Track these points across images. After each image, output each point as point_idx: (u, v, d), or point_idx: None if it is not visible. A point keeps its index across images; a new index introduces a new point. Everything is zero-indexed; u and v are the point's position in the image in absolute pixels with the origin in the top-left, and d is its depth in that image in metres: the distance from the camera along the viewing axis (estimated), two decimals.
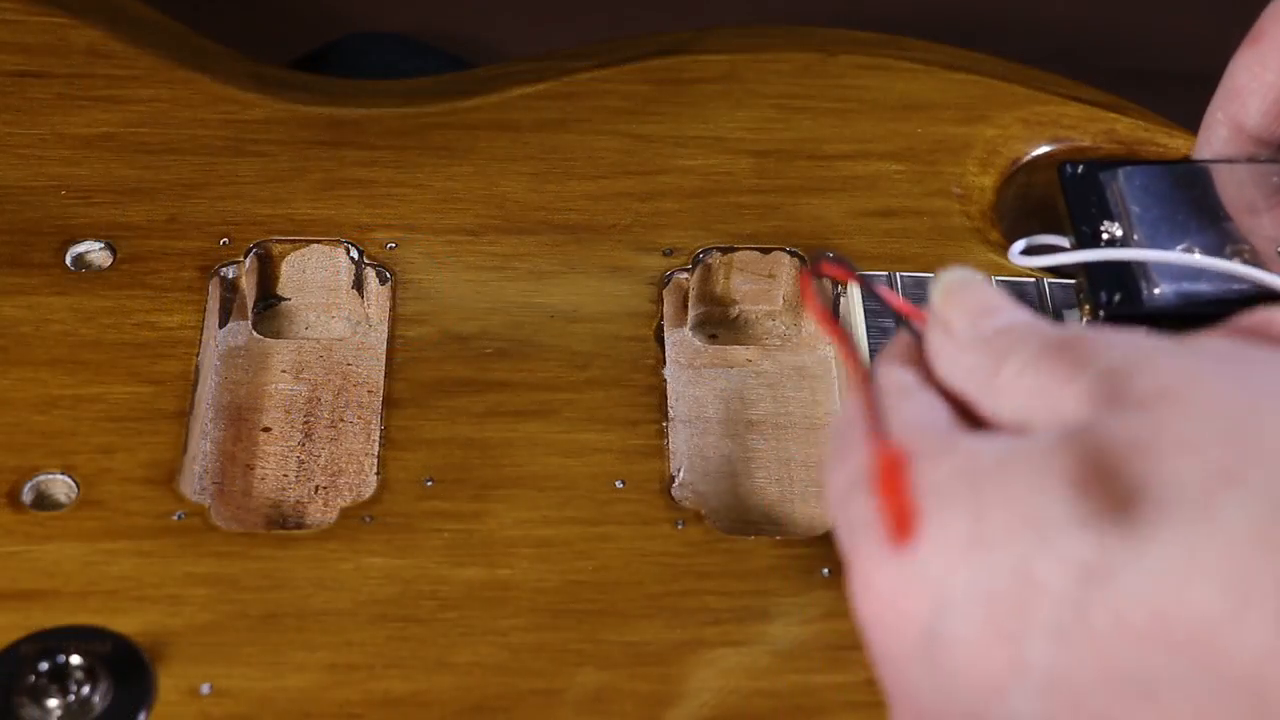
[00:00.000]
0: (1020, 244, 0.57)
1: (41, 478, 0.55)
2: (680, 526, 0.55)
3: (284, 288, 0.63)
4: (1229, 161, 0.55)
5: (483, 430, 0.57)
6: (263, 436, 0.60)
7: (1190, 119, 0.66)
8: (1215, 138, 0.53)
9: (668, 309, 0.62)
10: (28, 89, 0.65)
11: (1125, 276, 0.55)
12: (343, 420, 0.60)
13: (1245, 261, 0.53)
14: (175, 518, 0.54)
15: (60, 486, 0.55)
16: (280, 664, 0.51)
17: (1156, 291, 0.54)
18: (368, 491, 0.56)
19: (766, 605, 0.53)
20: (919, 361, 0.43)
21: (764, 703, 0.51)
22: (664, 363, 0.59)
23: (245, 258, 0.61)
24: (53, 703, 0.49)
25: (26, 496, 0.54)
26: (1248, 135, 0.53)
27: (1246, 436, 0.35)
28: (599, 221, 0.63)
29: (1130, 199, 0.56)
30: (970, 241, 0.63)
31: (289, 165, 0.63)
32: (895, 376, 0.43)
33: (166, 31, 0.68)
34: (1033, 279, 0.60)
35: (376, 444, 0.57)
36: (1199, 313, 0.52)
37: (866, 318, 0.59)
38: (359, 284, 0.62)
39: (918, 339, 0.45)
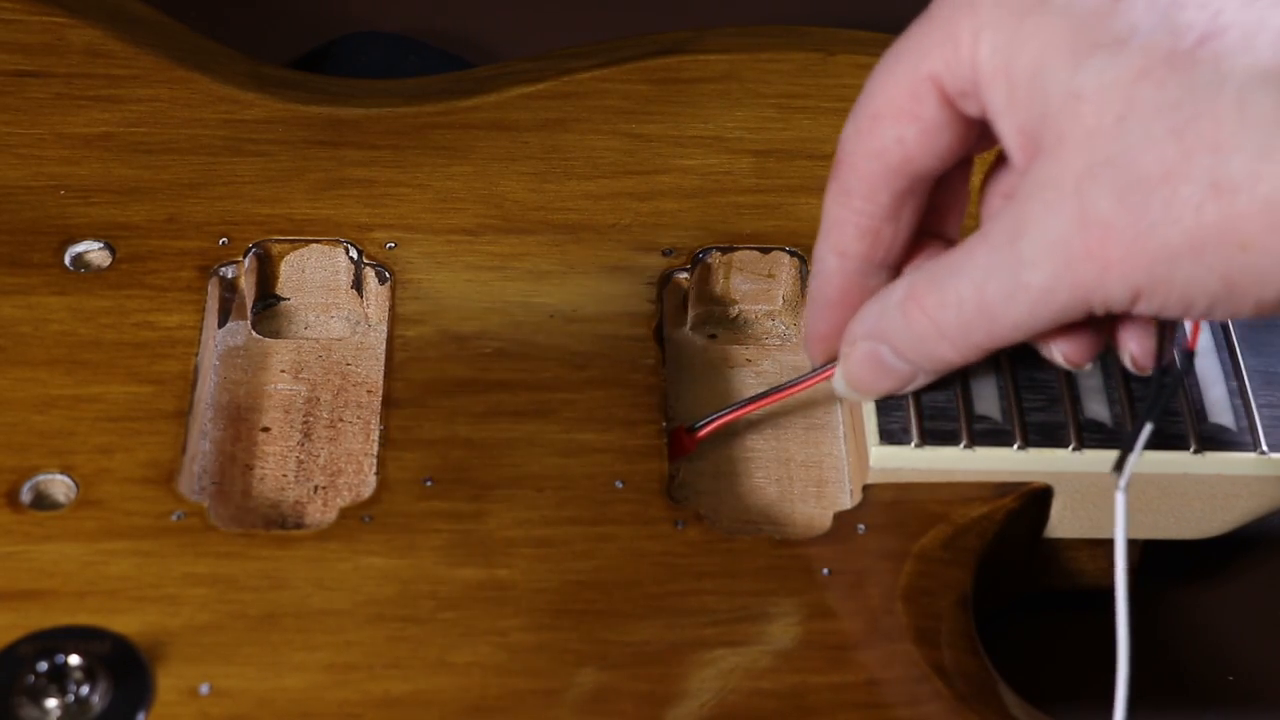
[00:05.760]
0: None
1: (40, 478, 0.55)
2: (680, 526, 0.55)
3: (283, 287, 0.63)
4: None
5: (482, 430, 0.57)
6: (262, 436, 0.59)
7: None
8: (825, 269, 0.55)
9: (667, 309, 0.62)
10: (27, 88, 0.65)
11: None
12: (342, 420, 0.60)
13: None
14: (174, 518, 0.54)
15: (59, 486, 0.55)
16: (279, 664, 0.51)
17: None
18: (367, 491, 0.56)
19: (766, 605, 0.53)
20: None
21: (764, 703, 0.51)
22: (664, 363, 0.59)
23: (244, 257, 0.61)
24: (51, 703, 0.49)
25: (25, 496, 0.54)
26: (852, 261, 0.54)
27: None
28: (598, 221, 0.63)
29: None
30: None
31: (288, 165, 0.63)
32: None
33: (166, 31, 0.68)
34: None
35: (375, 444, 0.57)
36: None
37: None
38: (358, 284, 0.62)
39: None
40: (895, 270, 0.55)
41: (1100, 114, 0.46)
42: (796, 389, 0.58)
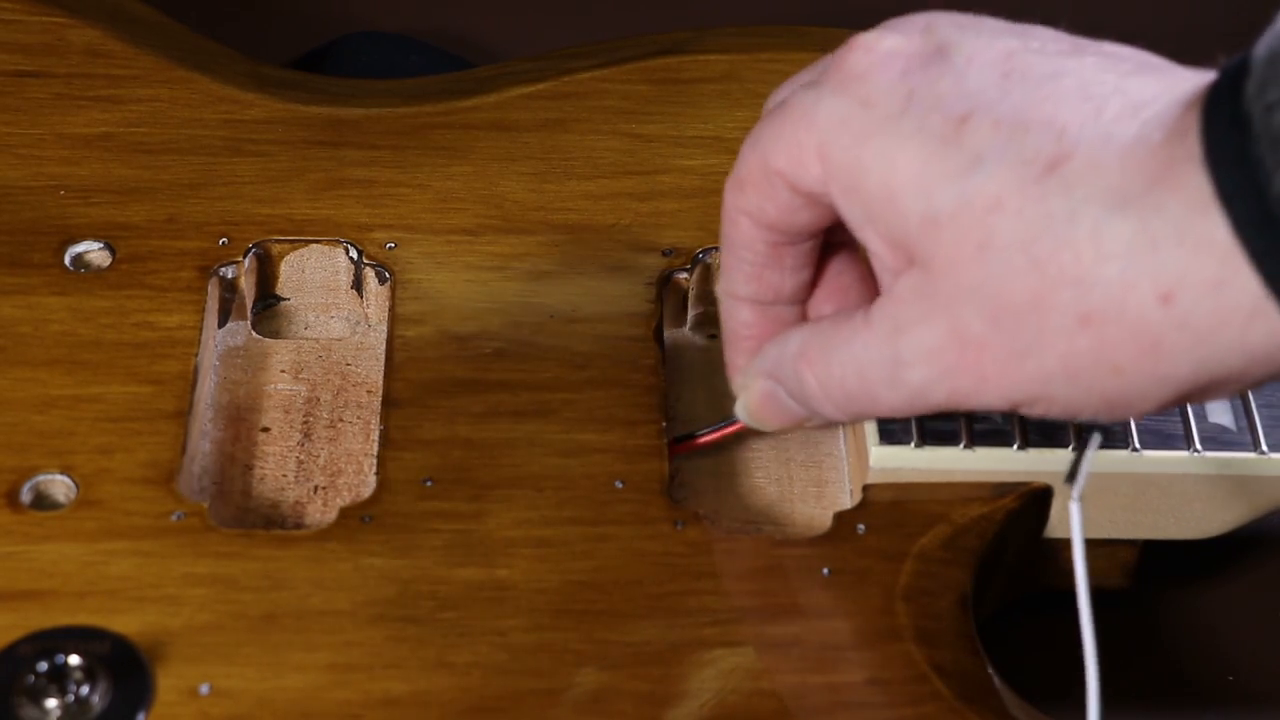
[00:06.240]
0: None
1: (40, 478, 0.55)
2: (680, 526, 0.55)
3: (283, 288, 0.63)
4: None
5: (481, 430, 0.57)
6: (262, 436, 0.59)
7: None
8: (725, 309, 0.55)
9: (667, 309, 0.62)
10: (26, 89, 0.65)
11: None
12: (342, 420, 0.60)
13: None
14: (174, 518, 0.54)
15: (59, 487, 0.55)
16: (279, 664, 0.51)
17: None
18: (367, 491, 0.56)
19: (766, 605, 0.53)
20: None
21: (764, 703, 0.51)
22: (663, 363, 0.59)
23: (244, 257, 0.61)
24: (51, 703, 0.49)
25: (25, 496, 0.54)
26: (744, 303, 0.54)
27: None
28: (598, 221, 0.63)
29: None
30: None
31: (288, 165, 0.63)
32: None
33: (165, 31, 0.68)
34: None
35: (375, 444, 0.57)
36: None
37: None
38: (358, 284, 0.62)
39: None
40: (803, 304, 0.54)
41: (960, 243, 0.46)
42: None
